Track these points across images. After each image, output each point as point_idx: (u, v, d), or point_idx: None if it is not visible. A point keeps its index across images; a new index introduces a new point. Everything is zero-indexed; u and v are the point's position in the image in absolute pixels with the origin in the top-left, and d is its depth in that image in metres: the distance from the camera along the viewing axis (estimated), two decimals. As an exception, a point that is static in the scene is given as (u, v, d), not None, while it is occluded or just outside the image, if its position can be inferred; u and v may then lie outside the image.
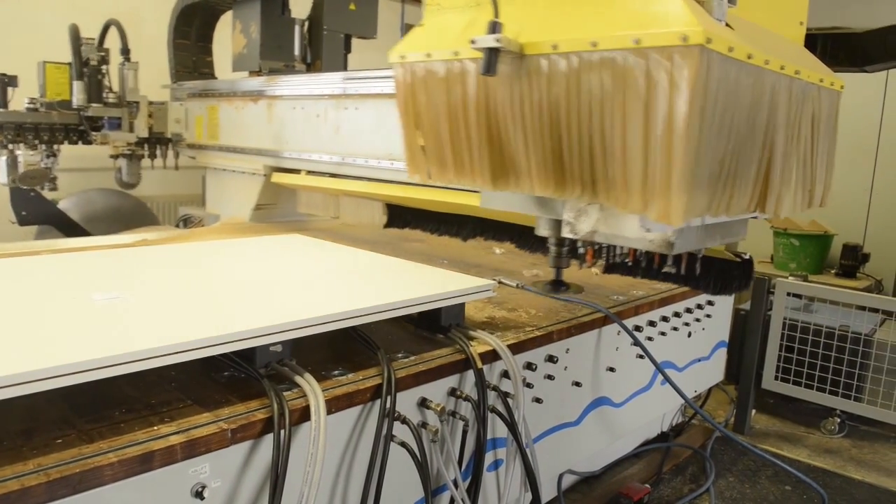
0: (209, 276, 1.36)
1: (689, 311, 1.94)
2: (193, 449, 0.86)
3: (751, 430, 2.52)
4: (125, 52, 2.84)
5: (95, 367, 0.83)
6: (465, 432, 1.21)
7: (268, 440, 0.93)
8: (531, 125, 1.12)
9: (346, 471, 1.05)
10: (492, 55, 1.07)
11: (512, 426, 1.26)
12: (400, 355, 1.19)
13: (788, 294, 2.52)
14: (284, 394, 0.97)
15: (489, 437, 1.26)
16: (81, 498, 0.78)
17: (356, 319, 1.11)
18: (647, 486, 1.93)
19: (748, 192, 1.13)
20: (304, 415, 0.96)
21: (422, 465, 1.09)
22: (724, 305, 2.18)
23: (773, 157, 1.16)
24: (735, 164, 1.08)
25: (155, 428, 0.88)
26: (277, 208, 2.60)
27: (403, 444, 1.07)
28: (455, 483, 1.18)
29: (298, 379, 1.00)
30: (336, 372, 1.09)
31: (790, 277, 2.83)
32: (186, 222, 3.07)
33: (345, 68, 2.85)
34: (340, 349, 1.20)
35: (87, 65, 2.75)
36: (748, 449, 2.10)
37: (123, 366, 0.85)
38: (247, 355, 1.02)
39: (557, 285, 1.70)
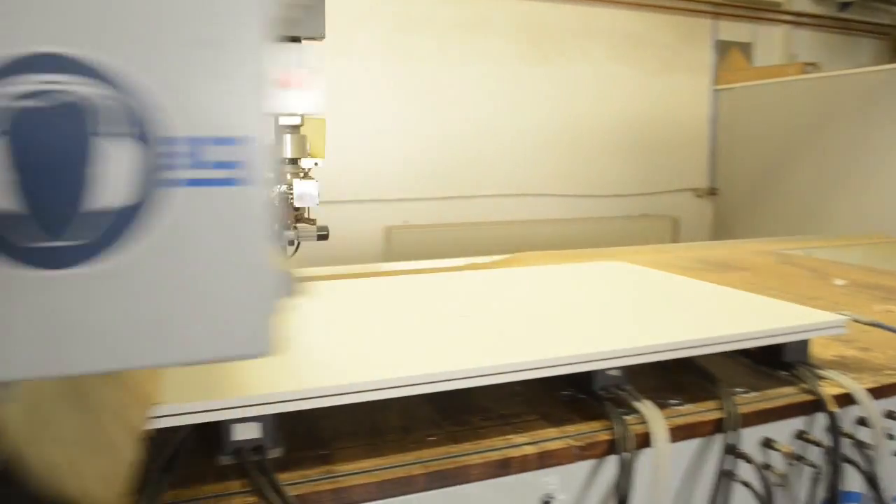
0: (540, 299, 1.46)
1: None
2: (544, 460, 0.93)
3: None
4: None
5: (464, 377, 0.95)
6: (814, 480, 1.12)
7: (609, 461, 0.97)
8: None
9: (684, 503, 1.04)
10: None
11: (871, 481, 1.12)
12: (740, 390, 1.14)
13: None
14: (624, 418, 1.00)
15: (841, 489, 1.14)
16: (451, 490, 0.89)
17: (693, 350, 1.10)
18: None
19: None
20: (644, 440, 0.98)
21: (766, 508, 1.03)
22: None
23: None
24: None
25: (509, 437, 0.97)
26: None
27: (746, 484, 1.02)
28: (802, 532, 1.09)
29: (637, 404, 1.02)
30: (673, 401, 1.09)
31: None
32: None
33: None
34: (673, 379, 1.19)
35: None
36: None
37: (486, 377, 0.96)
38: (586, 378, 1.07)
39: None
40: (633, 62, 5.15)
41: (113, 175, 0.48)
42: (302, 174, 2.68)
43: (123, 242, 0.49)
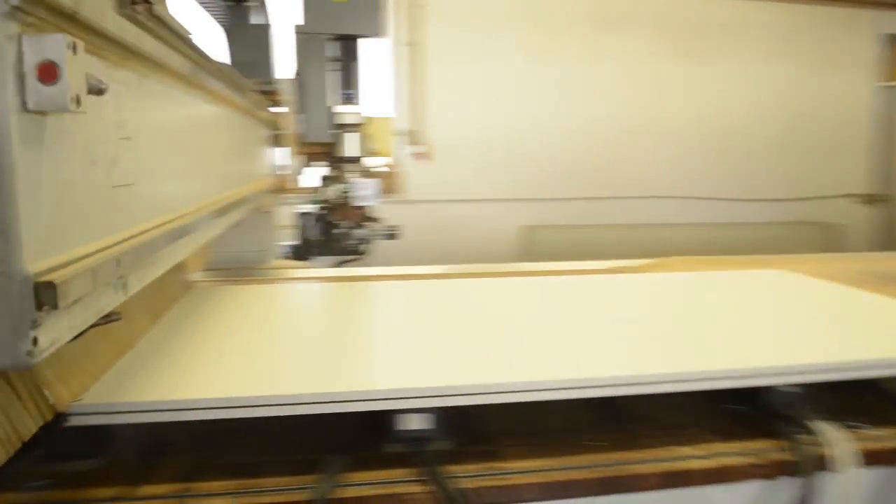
0: (701, 307, 1.40)
1: None
2: (716, 475, 0.89)
3: None
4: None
5: (634, 383, 0.93)
6: None
7: (785, 482, 0.91)
8: None
9: (866, 535, 0.97)
10: None
11: None
12: (932, 416, 1.04)
13: None
14: (800, 437, 0.94)
15: None
16: (617, 499, 0.88)
17: (884, 370, 1.01)
18: None
19: None
20: (822, 463, 0.91)
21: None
22: None
23: None
24: None
25: (675, 448, 0.94)
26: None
27: (941, 521, 0.93)
28: None
29: (816, 425, 0.96)
30: (853, 424, 1.01)
31: None
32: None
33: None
34: (849, 400, 1.10)
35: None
36: None
37: (657, 385, 0.94)
38: (756, 392, 1.01)
39: None
40: (786, 57, 4.84)
41: None
42: (365, 173, 2.72)
43: None
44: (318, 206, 2.89)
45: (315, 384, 0.96)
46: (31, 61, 0.53)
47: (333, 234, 2.87)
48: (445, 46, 4.33)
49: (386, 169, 4.42)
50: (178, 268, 1.68)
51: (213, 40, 2.52)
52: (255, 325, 1.36)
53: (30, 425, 0.91)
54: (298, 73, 2.59)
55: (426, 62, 4.34)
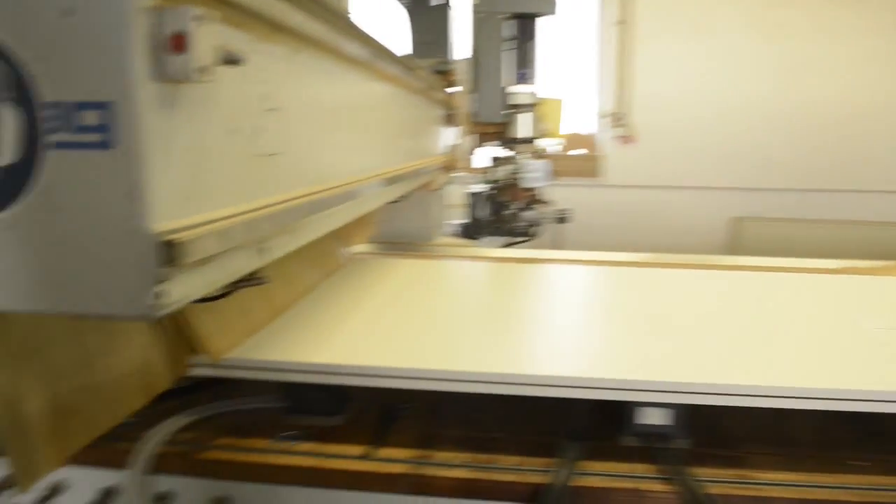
0: None
1: None
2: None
3: None
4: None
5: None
6: None
7: None
8: None
9: None
10: None
11: None
12: None
13: None
14: None
15: None
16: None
17: None
18: None
19: None
20: None
21: None
22: None
23: None
24: None
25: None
26: None
27: None
28: None
29: None
30: None
31: None
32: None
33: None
34: None
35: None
36: None
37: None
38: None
39: None
40: None
41: (3, 136, 0.56)
42: (536, 154, 2.60)
43: (15, 198, 0.57)
44: (488, 186, 2.90)
45: (542, 366, 0.98)
46: (165, 31, 0.56)
47: (502, 215, 2.87)
48: (656, 24, 4.09)
49: (565, 151, 4.34)
50: (341, 238, 1.76)
51: (394, 21, 2.59)
52: (441, 299, 1.43)
53: (183, 372, 1.01)
54: (474, 53, 2.59)
55: (634, 41, 4.15)
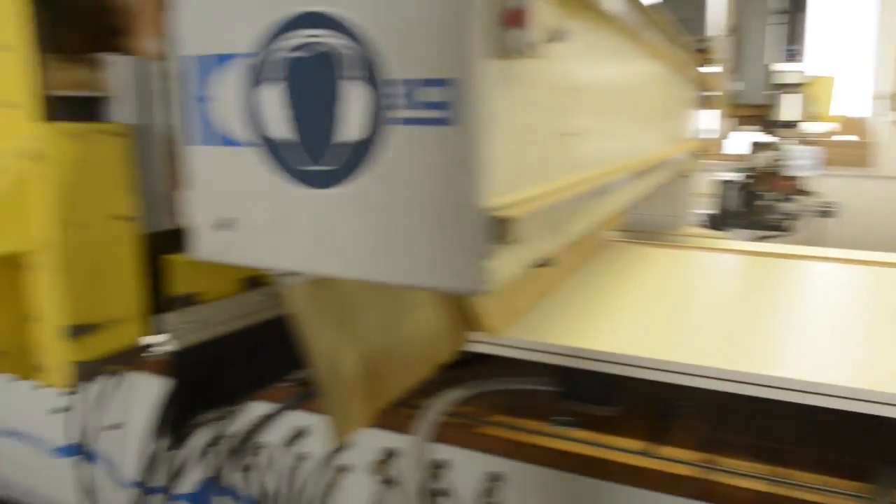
0: None
1: None
2: None
3: None
4: None
5: None
6: None
7: None
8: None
9: None
10: None
11: None
12: None
13: None
14: None
15: None
16: None
17: None
18: None
19: None
20: None
21: None
22: None
23: None
24: None
25: None
26: None
27: None
28: None
29: None
30: None
31: None
32: None
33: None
34: None
35: None
36: None
37: None
38: None
39: None
40: None
41: (351, 113, 0.59)
42: (803, 140, 2.25)
43: (358, 171, 0.60)
44: (741, 174, 2.69)
45: (839, 376, 0.90)
46: (502, 7, 0.56)
47: (755, 206, 2.65)
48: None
49: (830, 137, 3.87)
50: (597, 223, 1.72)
51: None
52: (703, 294, 1.37)
53: (462, 346, 1.04)
54: (735, 28, 2.39)
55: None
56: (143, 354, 0.76)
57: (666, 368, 0.96)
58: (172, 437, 1.12)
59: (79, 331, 0.69)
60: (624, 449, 0.95)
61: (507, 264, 0.62)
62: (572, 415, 1.02)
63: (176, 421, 0.87)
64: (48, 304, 0.68)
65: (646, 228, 2.12)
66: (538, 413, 1.04)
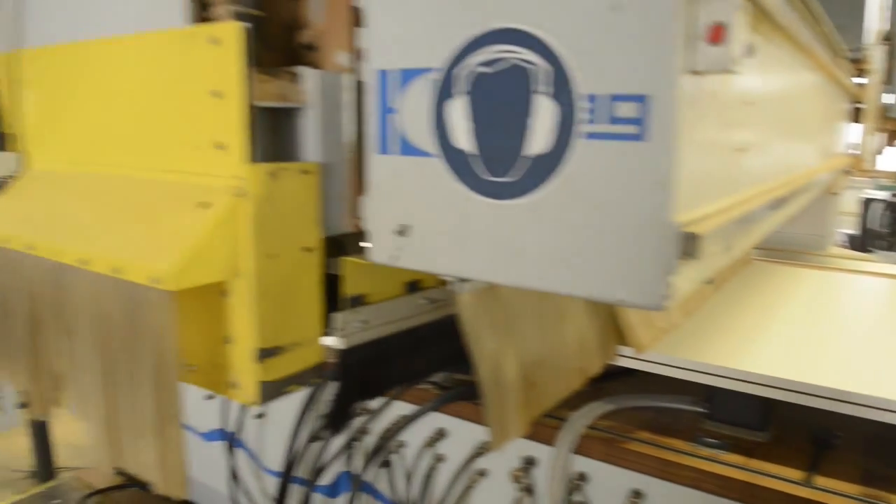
0: None
1: None
2: None
3: None
4: None
5: None
6: None
7: None
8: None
9: None
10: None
11: None
12: None
13: None
14: None
15: None
16: None
17: None
18: None
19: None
20: None
21: None
22: None
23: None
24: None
25: None
26: None
27: None
28: None
29: None
30: None
31: None
32: None
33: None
34: None
35: None
36: None
37: None
38: None
39: None
40: None
41: (540, 126, 0.60)
42: None
43: (543, 183, 0.61)
44: (888, 192, 2.51)
45: None
46: (703, 23, 0.56)
47: (906, 227, 2.47)
48: None
49: None
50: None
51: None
52: (859, 320, 1.30)
53: (610, 359, 1.03)
54: (887, 37, 2.24)
55: None
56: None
57: (828, 395, 0.92)
58: (329, 431, 1.17)
59: (266, 353, 0.74)
60: (780, 476, 0.91)
61: (686, 280, 0.61)
62: (718, 437, 0.99)
63: (334, 416, 0.91)
64: (242, 327, 0.74)
65: (787, 247, 2.02)
66: (682, 433, 1.02)
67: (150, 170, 0.90)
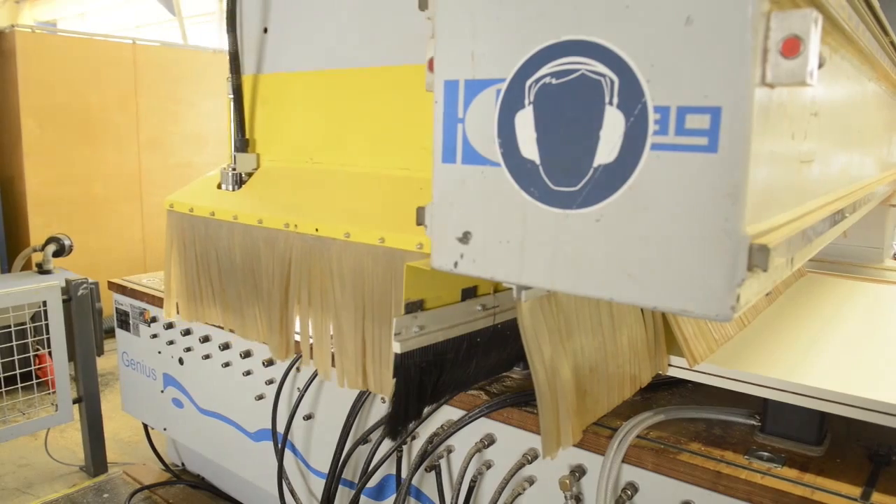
0: None
1: None
2: None
3: None
4: None
5: None
6: None
7: None
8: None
9: None
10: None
11: None
12: None
13: None
14: None
15: None
16: None
17: None
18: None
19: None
20: None
21: None
22: None
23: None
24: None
25: None
26: None
27: None
28: None
29: None
30: None
31: None
32: None
33: None
34: None
35: None
36: None
37: None
38: None
39: None
40: None
41: (609, 137, 0.61)
42: None
43: (610, 194, 0.61)
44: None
45: None
46: (777, 36, 0.56)
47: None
48: None
49: None
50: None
51: None
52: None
53: (663, 369, 1.02)
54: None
55: None
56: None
57: (885, 410, 0.90)
58: (388, 433, 1.19)
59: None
60: (836, 493, 0.89)
61: (751, 291, 0.61)
62: (770, 450, 0.98)
63: (393, 419, 0.93)
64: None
65: (842, 259, 1.98)
66: (734, 445, 1.00)
67: (382, 167, 1.19)
